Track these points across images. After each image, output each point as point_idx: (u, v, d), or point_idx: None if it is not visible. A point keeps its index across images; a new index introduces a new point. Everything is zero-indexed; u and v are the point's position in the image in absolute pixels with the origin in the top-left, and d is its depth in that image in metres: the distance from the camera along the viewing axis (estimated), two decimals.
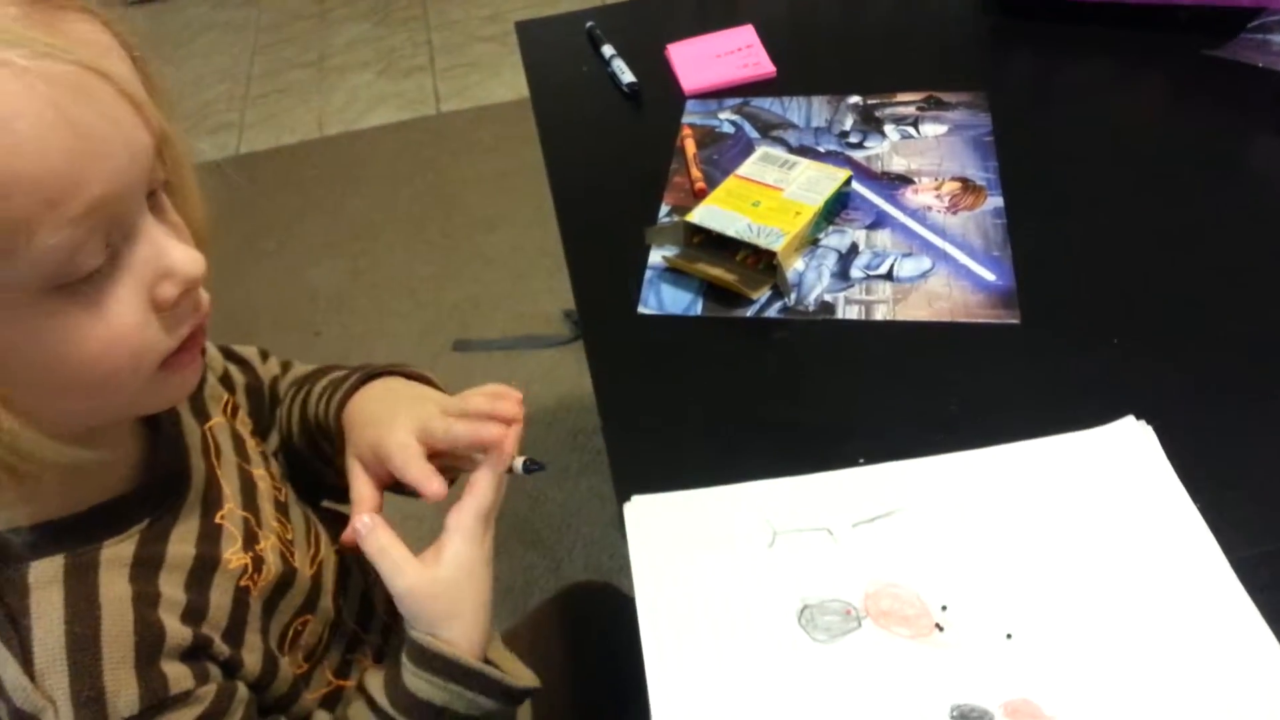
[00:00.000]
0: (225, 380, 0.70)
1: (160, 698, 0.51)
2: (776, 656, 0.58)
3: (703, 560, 0.64)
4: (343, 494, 0.73)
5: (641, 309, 0.82)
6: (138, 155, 0.45)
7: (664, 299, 0.82)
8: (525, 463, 0.64)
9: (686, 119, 1.00)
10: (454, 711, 0.61)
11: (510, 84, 2.47)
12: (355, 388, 0.69)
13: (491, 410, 0.62)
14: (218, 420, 0.65)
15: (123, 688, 0.50)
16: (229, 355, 0.73)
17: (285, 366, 0.77)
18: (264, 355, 0.76)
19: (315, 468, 0.73)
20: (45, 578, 0.50)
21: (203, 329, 0.51)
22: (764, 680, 0.57)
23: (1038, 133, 0.94)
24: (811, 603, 0.61)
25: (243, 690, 0.56)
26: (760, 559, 0.63)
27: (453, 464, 0.65)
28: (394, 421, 0.64)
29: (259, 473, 0.66)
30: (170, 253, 0.47)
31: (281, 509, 0.66)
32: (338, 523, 0.73)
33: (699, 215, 0.83)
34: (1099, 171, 0.89)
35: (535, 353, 1.86)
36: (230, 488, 0.62)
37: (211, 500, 0.60)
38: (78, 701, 0.49)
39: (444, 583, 0.60)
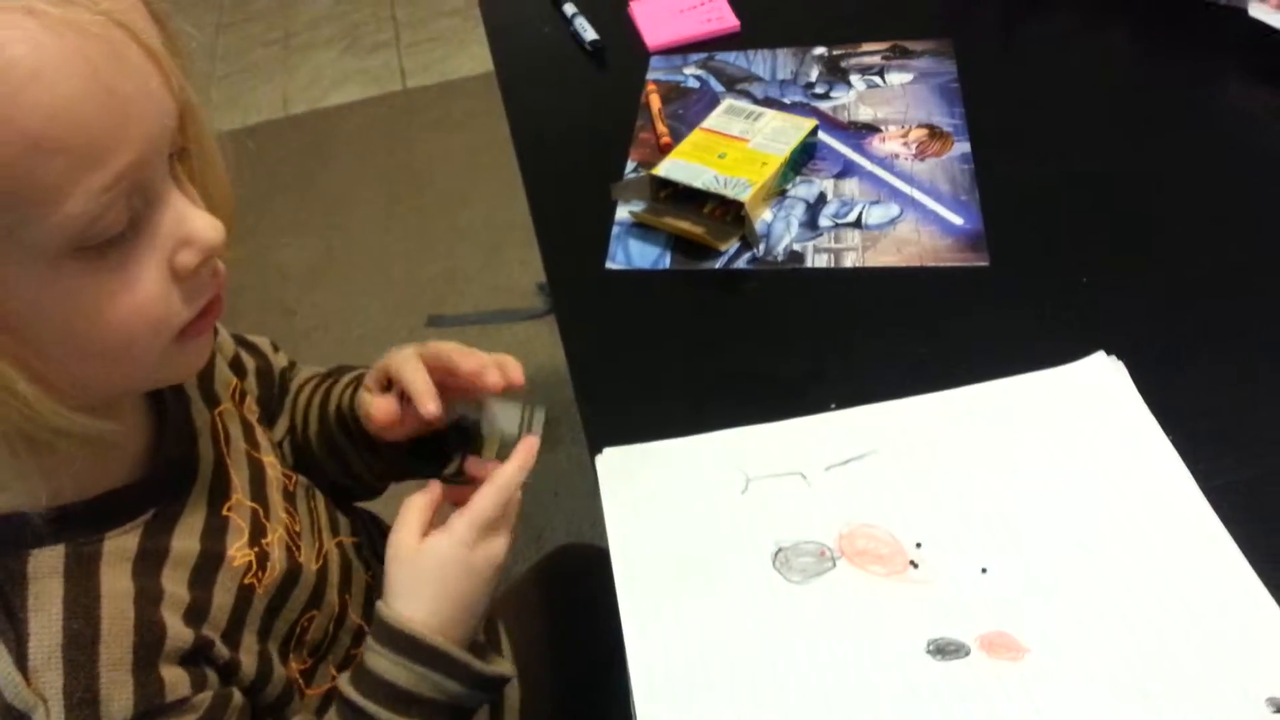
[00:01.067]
0: (236, 365, 0.69)
1: (155, 704, 0.49)
2: (752, 599, 0.58)
3: (676, 509, 0.63)
4: (360, 488, 0.73)
5: (609, 264, 0.81)
6: (165, 119, 0.44)
7: (631, 254, 0.81)
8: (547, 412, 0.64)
9: (651, 75, 0.99)
10: (425, 698, 0.58)
11: (477, 58, 2.45)
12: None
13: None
14: (226, 406, 0.63)
15: (118, 691, 0.48)
16: (240, 341, 0.71)
17: (293, 364, 0.76)
18: (275, 347, 0.75)
19: (328, 466, 0.72)
20: (45, 569, 0.48)
21: (219, 300, 0.50)
22: (740, 622, 0.57)
23: (1003, 78, 0.93)
24: (785, 545, 0.61)
25: (237, 698, 0.54)
26: (733, 505, 0.63)
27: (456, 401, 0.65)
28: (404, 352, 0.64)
29: (269, 460, 0.65)
30: (191, 220, 0.46)
31: (290, 498, 0.65)
32: (346, 514, 0.72)
33: (665, 168, 0.83)
34: (1065, 115, 0.89)
35: (510, 326, 1.85)
36: (239, 477, 0.60)
37: (219, 490, 0.58)
38: (70, 702, 0.47)
39: (413, 561, 0.59)
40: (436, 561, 0.59)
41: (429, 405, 0.61)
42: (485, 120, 2.23)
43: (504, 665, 0.62)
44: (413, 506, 0.61)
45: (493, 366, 0.63)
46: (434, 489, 0.62)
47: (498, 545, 0.61)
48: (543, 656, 0.83)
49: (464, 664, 0.59)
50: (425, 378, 0.62)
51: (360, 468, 0.71)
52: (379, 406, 0.64)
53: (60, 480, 0.48)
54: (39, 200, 0.40)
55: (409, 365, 0.63)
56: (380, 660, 0.57)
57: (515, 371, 0.63)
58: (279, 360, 0.75)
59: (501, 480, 0.60)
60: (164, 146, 0.45)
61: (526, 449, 0.62)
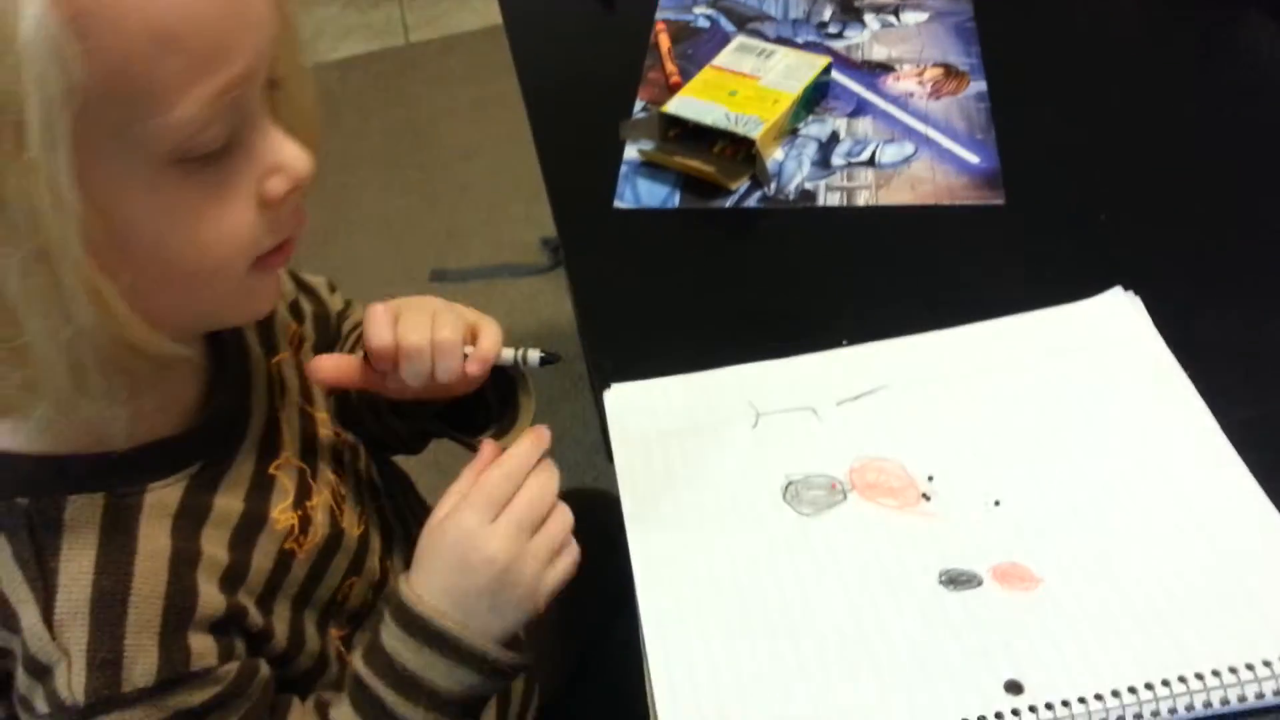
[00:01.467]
0: (294, 309, 0.66)
1: (179, 672, 0.47)
2: (763, 532, 0.58)
3: (685, 444, 0.63)
4: (399, 444, 0.71)
5: (618, 203, 0.80)
6: (272, 35, 0.43)
7: (640, 193, 0.80)
8: (541, 356, 0.59)
9: (660, 14, 0.97)
10: (434, 686, 0.53)
11: (480, 12, 2.41)
12: None
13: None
14: (284, 355, 0.61)
15: (141, 655, 0.46)
16: (299, 282, 0.68)
17: (348, 304, 0.73)
18: (331, 287, 0.72)
19: (366, 419, 0.69)
20: (83, 517, 0.46)
21: (293, 239, 0.49)
22: (751, 556, 0.57)
23: (1020, 17, 0.92)
24: (796, 478, 0.60)
25: (264, 670, 0.52)
26: (743, 439, 0.62)
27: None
28: None
29: (321, 417, 0.62)
30: (283, 148, 0.45)
31: (338, 459, 0.63)
32: (392, 481, 0.71)
33: (674, 105, 0.81)
34: (1081, 54, 0.87)
35: (514, 282, 1.84)
36: (290, 433, 0.58)
37: (269, 447, 0.56)
38: (92, 662, 0.45)
39: (434, 535, 0.54)
40: (452, 538, 0.54)
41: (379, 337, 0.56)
42: (489, 75, 2.20)
43: (521, 653, 0.56)
44: (462, 476, 0.56)
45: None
46: (485, 451, 0.57)
47: (533, 546, 0.54)
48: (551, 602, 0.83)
49: (478, 653, 0.53)
50: (379, 316, 0.57)
51: (392, 423, 0.67)
52: (323, 366, 0.59)
53: (103, 428, 0.46)
54: (153, 99, 0.39)
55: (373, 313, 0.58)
56: (391, 638, 0.53)
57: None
58: (335, 302, 0.72)
59: (513, 461, 0.56)
60: (265, 66, 0.43)
61: (536, 433, 0.57)
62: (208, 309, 0.49)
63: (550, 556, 0.55)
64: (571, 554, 0.56)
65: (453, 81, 2.26)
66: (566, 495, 0.95)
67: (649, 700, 0.52)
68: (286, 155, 0.45)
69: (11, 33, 0.34)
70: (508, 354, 0.59)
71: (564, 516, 0.56)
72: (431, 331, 0.57)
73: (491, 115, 2.13)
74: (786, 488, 0.60)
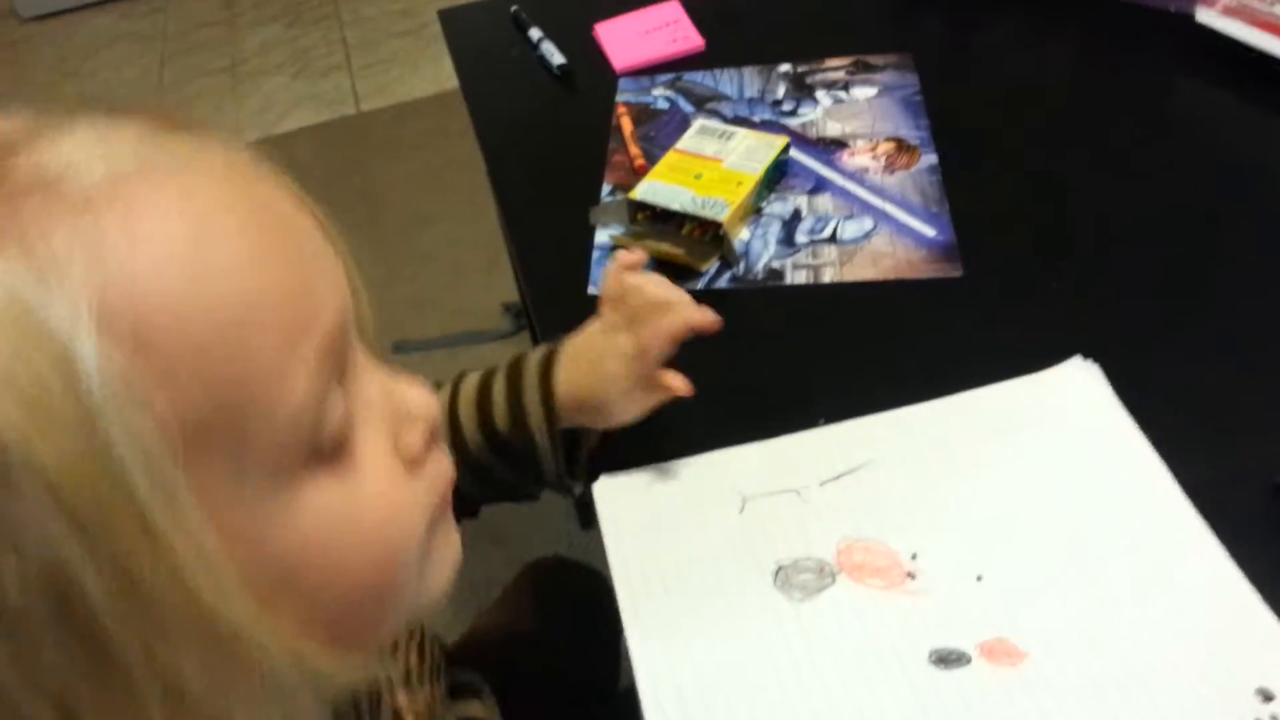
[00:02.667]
0: None
1: None
2: (756, 619, 0.59)
3: (675, 532, 0.64)
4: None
5: (592, 289, 0.81)
6: (344, 275, 0.38)
7: None
8: None
9: (620, 97, 1.00)
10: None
11: (430, 78, 2.44)
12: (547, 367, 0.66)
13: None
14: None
15: None
16: None
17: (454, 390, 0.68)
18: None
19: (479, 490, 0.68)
20: None
21: (451, 479, 0.43)
22: (745, 642, 0.58)
23: (965, 88, 0.96)
24: (785, 563, 0.61)
25: None
26: (732, 526, 0.64)
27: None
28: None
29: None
30: (402, 392, 0.40)
31: None
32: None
33: (642, 191, 0.83)
34: (1025, 121, 0.91)
35: (477, 348, 1.85)
36: None
37: None
38: None
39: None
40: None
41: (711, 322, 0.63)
42: (442, 142, 2.22)
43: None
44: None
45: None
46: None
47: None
48: (534, 658, 0.84)
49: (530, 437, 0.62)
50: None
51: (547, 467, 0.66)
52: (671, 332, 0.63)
53: None
54: (260, 389, 0.32)
55: (674, 317, 0.63)
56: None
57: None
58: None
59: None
60: (349, 306, 0.38)
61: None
62: (400, 605, 0.41)
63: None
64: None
65: (406, 149, 2.28)
66: (536, 566, 0.96)
67: None
68: (409, 398, 0.40)
69: (82, 404, 0.28)
70: None
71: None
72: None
73: (446, 182, 2.15)
74: (777, 573, 0.61)
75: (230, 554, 0.31)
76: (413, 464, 0.39)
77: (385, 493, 0.37)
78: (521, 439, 0.65)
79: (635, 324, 0.63)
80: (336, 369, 0.36)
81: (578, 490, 0.68)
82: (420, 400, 0.41)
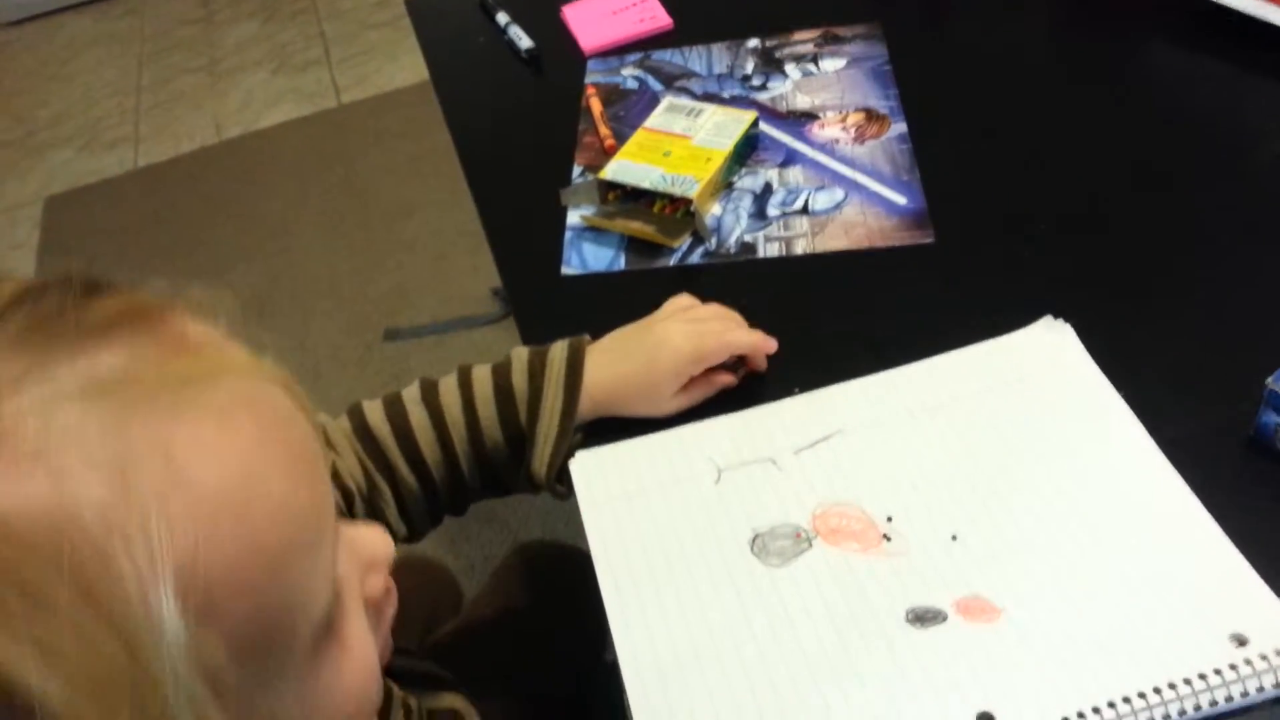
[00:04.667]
0: None
1: None
2: (734, 587, 0.60)
3: (651, 505, 0.65)
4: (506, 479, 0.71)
5: (565, 270, 0.82)
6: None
7: (586, 258, 0.82)
8: None
9: (589, 78, 1.00)
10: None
11: (409, 68, 2.44)
12: (576, 362, 0.68)
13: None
14: None
15: None
16: None
17: (359, 427, 0.67)
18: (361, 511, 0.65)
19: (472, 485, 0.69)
20: None
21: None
22: (724, 610, 0.59)
23: (933, 57, 0.96)
24: (762, 530, 0.62)
25: None
26: (708, 496, 0.65)
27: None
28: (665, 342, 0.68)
29: None
30: (361, 539, 0.41)
31: None
32: None
33: (612, 171, 0.84)
34: (995, 88, 0.92)
35: (468, 333, 1.85)
36: None
37: None
38: None
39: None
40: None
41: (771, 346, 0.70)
42: (423, 130, 2.22)
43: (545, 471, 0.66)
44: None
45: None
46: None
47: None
48: (530, 641, 0.85)
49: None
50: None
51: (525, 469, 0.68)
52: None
53: None
54: (299, 604, 0.34)
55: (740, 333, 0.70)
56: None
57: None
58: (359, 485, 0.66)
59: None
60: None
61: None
62: None
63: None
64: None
65: (388, 139, 2.28)
66: (528, 548, 0.97)
67: None
68: (369, 542, 0.42)
69: (148, 671, 0.29)
70: None
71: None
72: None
73: (429, 170, 2.15)
74: (754, 540, 0.62)
75: None
76: (374, 608, 0.41)
77: (365, 657, 0.39)
78: (531, 435, 0.68)
79: (696, 331, 0.68)
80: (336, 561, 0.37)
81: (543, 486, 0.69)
82: (379, 543, 0.42)
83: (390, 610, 0.44)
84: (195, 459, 0.31)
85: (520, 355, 0.70)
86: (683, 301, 0.72)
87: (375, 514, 0.65)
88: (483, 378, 0.69)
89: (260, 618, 0.33)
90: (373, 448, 0.67)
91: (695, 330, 0.68)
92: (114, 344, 0.32)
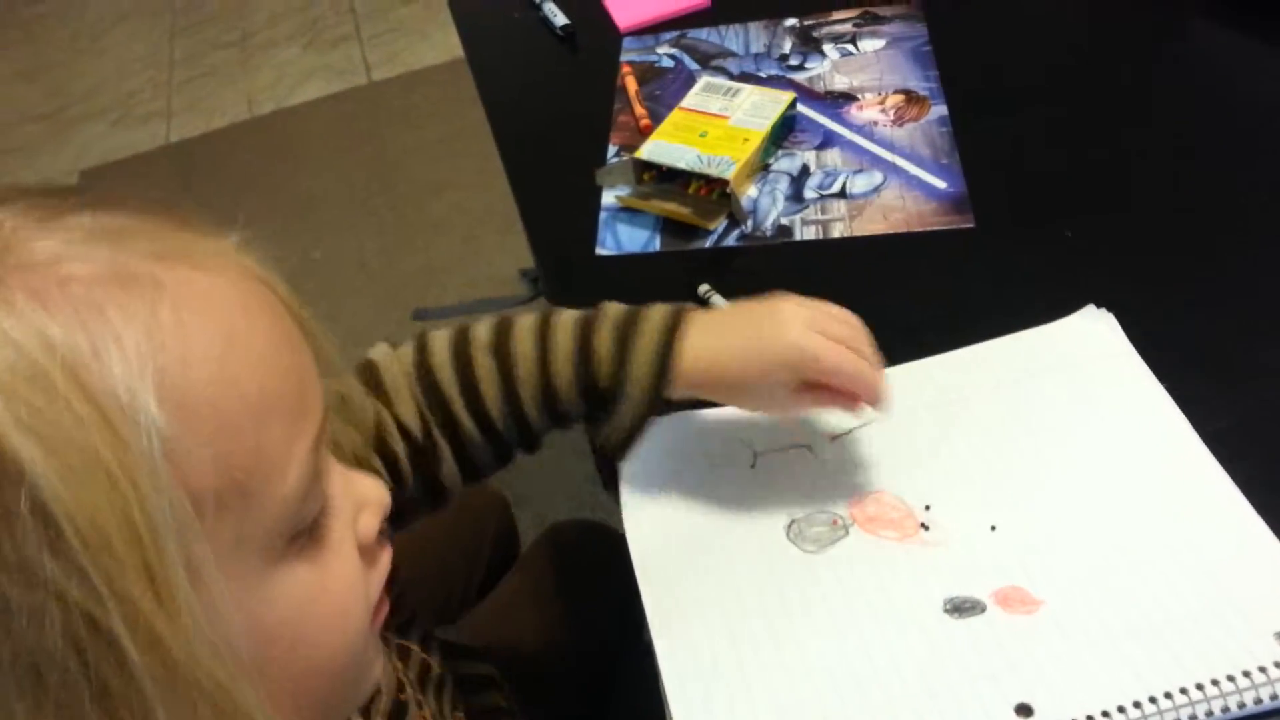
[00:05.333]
0: None
1: None
2: (769, 570, 0.59)
3: (687, 486, 0.64)
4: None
5: (600, 250, 0.81)
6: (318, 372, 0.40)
7: (621, 238, 0.82)
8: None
9: (625, 57, 0.99)
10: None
11: (440, 46, 2.43)
12: (669, 341, 0.60)
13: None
14: None
15: None
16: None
17: (373, 382, 0.62)
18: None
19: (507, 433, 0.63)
20: None
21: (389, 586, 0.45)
22: (760, 595, 0.58)
23: (974, 38, 0.94)
24: (798, 516, 0.62)
25: None
26: (744, 480, 0.64)
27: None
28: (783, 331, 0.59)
29: None
30: (358, 482, 0.42)
31: None
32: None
33: (648, 151, 0.83)
34: (1036, 70, 0.90)
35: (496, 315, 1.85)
36: None
37: None
38: None
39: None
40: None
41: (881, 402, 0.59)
42: (453, 110, 2.22)
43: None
44: None
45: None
46: None
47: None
48: (559, 623, 0.85)
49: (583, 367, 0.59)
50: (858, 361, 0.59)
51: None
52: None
53: None
54: (266, 476, 0.35)
55: (849, 360, 0.58)
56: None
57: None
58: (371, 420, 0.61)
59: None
60: (326, 406, 0.40)
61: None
62: (350, 692, 0.43)
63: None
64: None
65: (418, 118, 2.28)
66: (559, 529, 0.97)
67: None
68: (366, 487, 0.43)
69: (126, 460, 0.31)
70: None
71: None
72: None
73: (459, 149, 2.14)
74: (790, 526, 0.61)
75: (227, 621, 0.33)
76: (367, 552, 0.42)
77: (348, 578, 0.40)
78: (612, 396, 0.61)
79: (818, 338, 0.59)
80: (319, 463, 0.38)
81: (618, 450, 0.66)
82: (376, 490, 0.43)
83: (384, 568, 0.44)
84: (185, 296, 0.34)
85: (610, 313, 0.62)
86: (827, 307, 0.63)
87: (428, 465, 0.62)
88: (565, 331, 0.61)
89: (235, 461, 0.34)
90: (435, 398, 0.62)
91: (819, 323, 0.59)
92: (122, 211, 0.36)
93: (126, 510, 0.30)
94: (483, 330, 0.63)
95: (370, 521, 0.42)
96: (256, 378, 0.35)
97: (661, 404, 0.61)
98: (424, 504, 0.63)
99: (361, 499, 0.42)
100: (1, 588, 0.29)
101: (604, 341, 0.60)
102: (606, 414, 0.62)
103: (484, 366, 0.61)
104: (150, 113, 2.48)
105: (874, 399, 0.59)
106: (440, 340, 0.63)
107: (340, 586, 0.39)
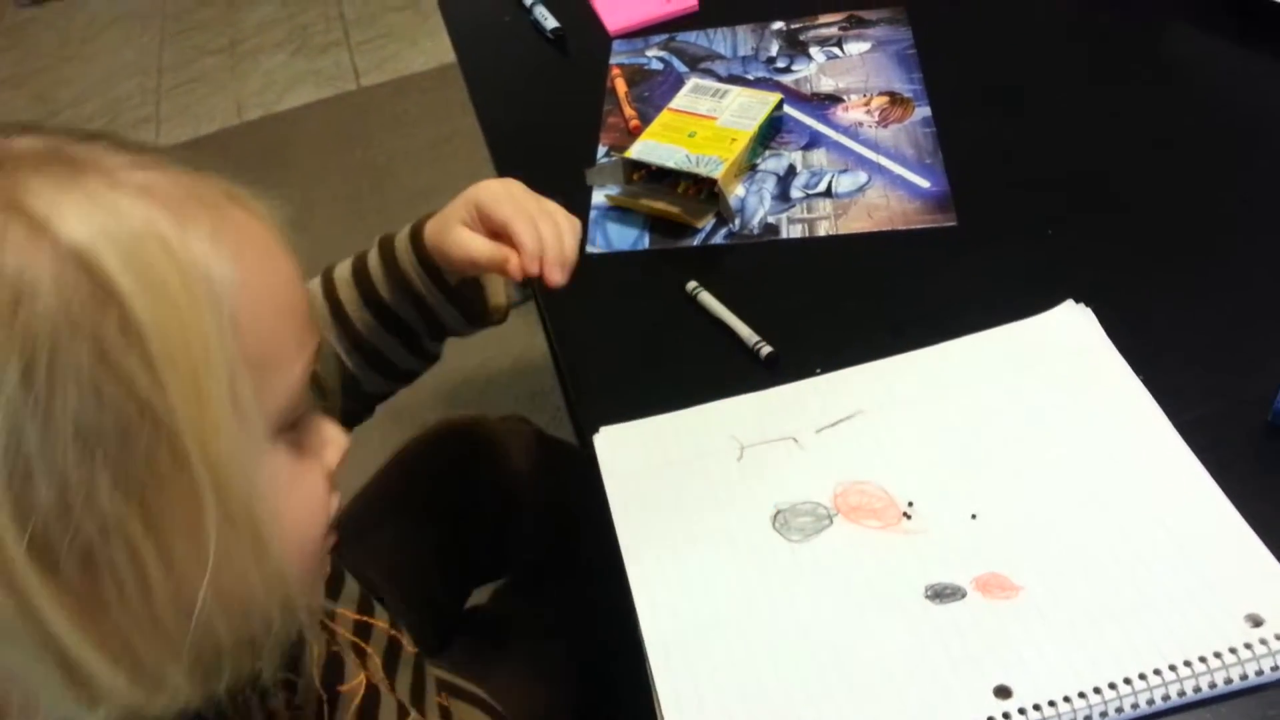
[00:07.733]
0: None
1: None
2: (755, 561, 0.61)
3: (674, 480, 0.66)
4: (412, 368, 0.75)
5: (589, 249, 0.83)
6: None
7: (611, 237, 0.83)
8: None
9: (614, 59, 1.00)
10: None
11: (429, 52, 2.44)
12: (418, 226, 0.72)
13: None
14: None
15: None
16: None
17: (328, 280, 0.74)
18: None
19: (390, 355, 0.73)
20: None
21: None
22: (746, 584, 0.60)
23: (957, 41, 0.96)
24: (783, 506, 0.63)
25: None
26: (730, 472, 0.65)
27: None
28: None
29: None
30: (325, 422, 0.49)
31: None
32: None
33: (637, 151, 0.84)
34: (1020, 72, 0.92)
35: None
36: None
37: None
38: None
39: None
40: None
41: (557, 277, 0.66)
42: (442, 114, 2.23)
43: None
44: None
45: (538, 261, 0.66)
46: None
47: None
48: (425, 526, 0.88)
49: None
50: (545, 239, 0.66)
51: (439, 325, 0.73)
52: (481, 248, 0.68)
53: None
54: (278, 364, 0.43)
55: (521, 221, 0.67)
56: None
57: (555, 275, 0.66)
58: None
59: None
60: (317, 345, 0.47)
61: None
62: (301, 597, 0.46)
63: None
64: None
65: (407, 123, 2.29)
66: (439, 428, 0.95)
67: None
68: (330, 429, 0.49)
69: (202, 303, 0.39)
70: None
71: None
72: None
73: (448, 154, 2.15)
74: (775, 516, 0.63)
75: (250, 449, 0.41)
76: (329, 479, 0.48)
77: (316, 484, 0.47)
78: (407, 302, 0.71)
79: (504, 187, 0.70)
80: (309, 378, 0.46)
81: (498, 319, 0.75)
82: (338, 430, 0.49)
83: (334, 509, 0.49)
84: (241, 224, 0.43)
85: (379, 241, 0.75)
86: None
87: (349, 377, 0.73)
88: (343, 270, 0.74)
89: (264, 348, 0.41)
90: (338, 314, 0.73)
91: (503, 186, 0.70)
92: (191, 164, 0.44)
93: (196, 332, 0.38)
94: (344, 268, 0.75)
95: (334, 455, 0.49)
96: (286, 291, 0.44)
97: (434, 266, 0.71)
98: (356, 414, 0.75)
99: (329, 435, 0.49)
100: (91, 372, 0.36)
101: (375, 264, 0.73)
102: (401, 333, 0.73)
103: (344, 281, 0.74)
104: (139, 119, 2.48)
105: (529, 263, 0.66)
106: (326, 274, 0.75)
107: (309, 488, 0.46)
